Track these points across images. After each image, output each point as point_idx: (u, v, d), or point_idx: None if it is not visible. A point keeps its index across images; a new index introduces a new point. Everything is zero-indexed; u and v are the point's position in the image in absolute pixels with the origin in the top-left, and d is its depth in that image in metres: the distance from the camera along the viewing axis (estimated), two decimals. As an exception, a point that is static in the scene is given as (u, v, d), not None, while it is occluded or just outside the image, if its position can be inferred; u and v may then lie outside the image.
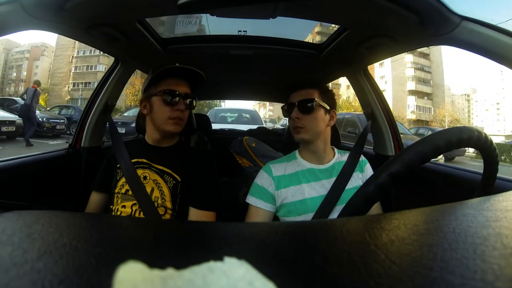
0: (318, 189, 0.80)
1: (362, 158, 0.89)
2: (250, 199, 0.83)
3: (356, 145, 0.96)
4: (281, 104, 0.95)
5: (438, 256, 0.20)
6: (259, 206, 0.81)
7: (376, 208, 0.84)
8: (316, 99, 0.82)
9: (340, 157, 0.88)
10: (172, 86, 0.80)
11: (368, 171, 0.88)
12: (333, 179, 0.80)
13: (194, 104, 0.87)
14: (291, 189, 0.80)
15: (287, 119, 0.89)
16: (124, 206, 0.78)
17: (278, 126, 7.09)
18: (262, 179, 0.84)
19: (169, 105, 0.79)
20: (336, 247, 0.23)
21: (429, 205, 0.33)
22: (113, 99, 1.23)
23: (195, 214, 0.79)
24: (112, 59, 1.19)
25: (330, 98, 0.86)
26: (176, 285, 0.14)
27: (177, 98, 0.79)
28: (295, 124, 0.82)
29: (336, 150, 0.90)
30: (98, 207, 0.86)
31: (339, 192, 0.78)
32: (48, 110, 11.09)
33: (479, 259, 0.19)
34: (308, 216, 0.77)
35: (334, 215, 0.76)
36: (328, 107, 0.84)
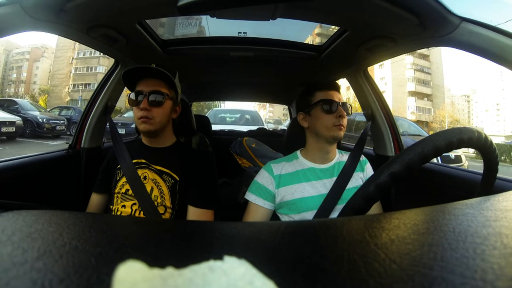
0: (318, 188, 0.80)
1: (362, 157, 0.90)
2: (250, 197, 0.84)
3: (356, 145, 0.96)
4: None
5: (438, 256, 0.20)
6: (258, 204, 0.82)
7: (376, 208, 0.84)
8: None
9: (341, 157, 0.88)
10: (140, 87, 0.81)
11: (369, 170, 0.88)
12: (334, 178, 0.81)
13: (162, 100, 0.80)
14: (291, 187, 0.81)
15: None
16: (124, 206, 0.78)
17: (283, 127, 6.94)
18: (263, 178, 0.84)
19: (135, 105, 0.80)
20: (336, 246, 0.23)
21: (429, 205, 0.33)
22: (113, 100, 1.23)
23: (193, 212, 0.79)
24: (112, 60, 1.20)
25: None
26: (176, 284, 0.14)
27: (139, 97, 0.79)
28: (341, 123, 0.82)
29: (337, 150, 0.91)
30: (98, 208, 0.87)
31: (340, 191, 0.78)
32: (48, 111, 11.10)
33: (479, 258, 0.19)
34: (308, 214, 0.78)
35: (335, 214, 0.76)
36: None
